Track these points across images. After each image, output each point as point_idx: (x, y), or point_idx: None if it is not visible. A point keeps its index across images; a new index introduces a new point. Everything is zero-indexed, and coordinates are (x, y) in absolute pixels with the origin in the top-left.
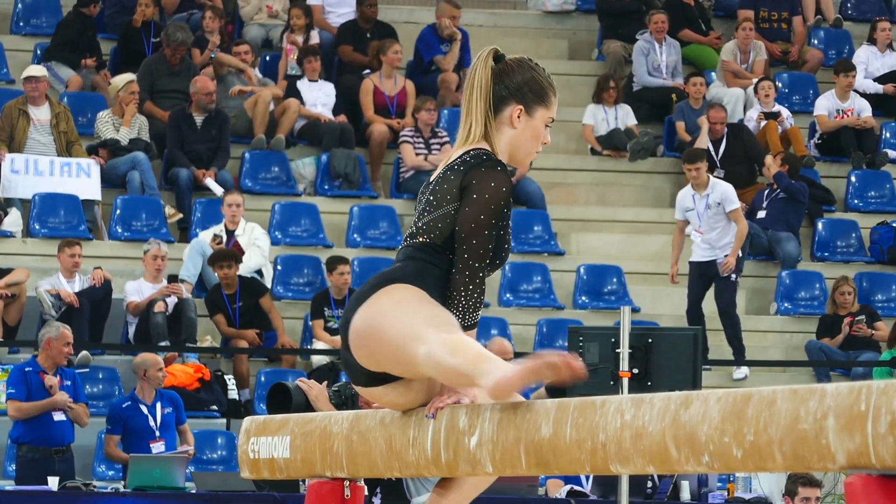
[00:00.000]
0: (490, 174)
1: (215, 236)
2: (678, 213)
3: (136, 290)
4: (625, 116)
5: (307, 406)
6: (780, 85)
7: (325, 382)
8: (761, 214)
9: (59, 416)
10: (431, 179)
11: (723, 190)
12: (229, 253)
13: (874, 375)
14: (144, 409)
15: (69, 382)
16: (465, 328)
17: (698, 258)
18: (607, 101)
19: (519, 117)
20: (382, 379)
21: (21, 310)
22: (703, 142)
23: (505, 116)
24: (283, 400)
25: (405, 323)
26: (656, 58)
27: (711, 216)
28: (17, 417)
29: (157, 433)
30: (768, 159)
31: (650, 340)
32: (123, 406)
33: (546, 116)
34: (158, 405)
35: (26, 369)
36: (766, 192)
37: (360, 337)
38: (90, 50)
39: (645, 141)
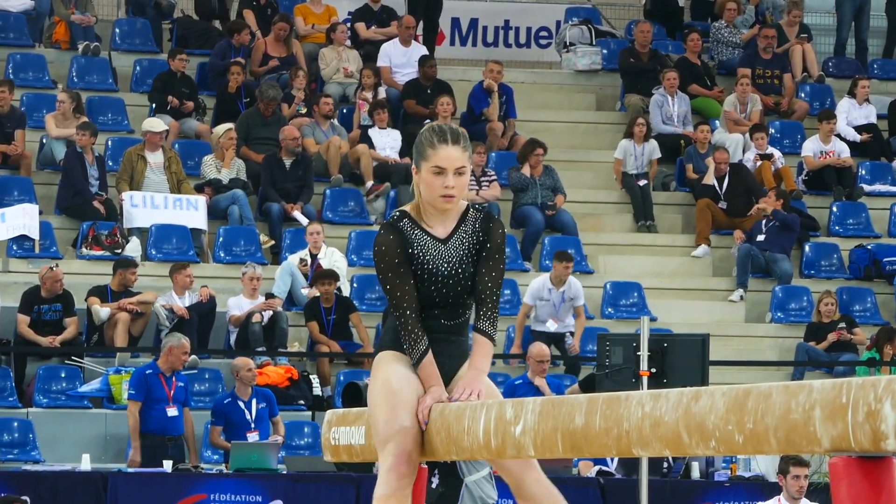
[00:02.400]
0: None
1: (301, 260)
2: (530, 298)
3: (236, 304)
4: (651, 152)
5: None
6: (772, 131)
7: None
8: (760, 238)
9: (172, 412)
10: None
11: (577, 288)
12: (329, 273)
13: (857, 373)
14: (242, 405)
15: (182, 384)
16: (417, 361)
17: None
18: (637, 137)
19: (416, 175)
20: None
21: (145, 324)
22: (710, 178)
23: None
24: (357, 396)
25: (375, 428)
26: (669, 109)
27: (564, 308)
28: (131, 420)
29: (253, 425)
30: (769, 198)
31: (665, 345)
32: (224, 402)
33: (429, 167)
34: (254, 401)
35: (147, 371)
36: (763, 221)
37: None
38: (183, 99)
39: (650, 227)
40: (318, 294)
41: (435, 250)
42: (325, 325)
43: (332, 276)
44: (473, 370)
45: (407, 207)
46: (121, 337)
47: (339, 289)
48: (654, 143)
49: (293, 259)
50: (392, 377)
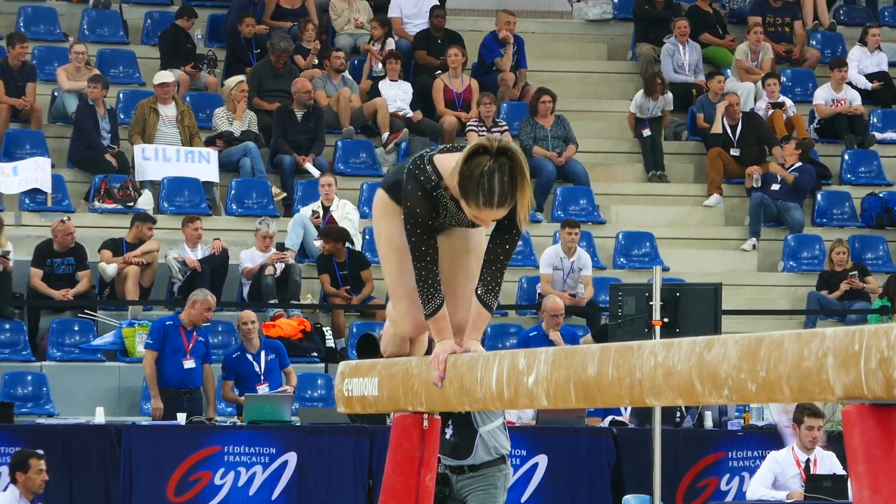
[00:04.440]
0: None
1: (314, 212)
2: (546, 267)
3: (249, 257)
4: (665, 104)
5: None
6: (784, 79)
7: None
8: (775, 187)
9: (188, 364)
10: None
11: (586, 258)
12: (338, 232)
13: (869, 321)
14: (250, 358)
15: (202, 339)
16: (431, 314)
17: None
18: (654, 94)
19: (454, 181)
20: None
21: (153, 275)
22: (718, 124)
23: None
24: (371, 347)
25: (386, 278)
26: (680, 57)
27: (573, 278)
28: (147, 368)
29: (262, 377)
30: (788, 147)
31: (678, 294)
32: (233, 356)
33: (471, 212)
34: (262, 353)
35: (167, 323)
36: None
37: None
38: (188, 57)
39: (661, 176)
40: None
41: (460, 215)
42: (338, 279)
43: (341, 235)
44: (470, 340)
45: (445, 174)
46: (132, 290)
47: (350, 242)
48: (669, 95)
49: (305, 211)
50: (395, 233)
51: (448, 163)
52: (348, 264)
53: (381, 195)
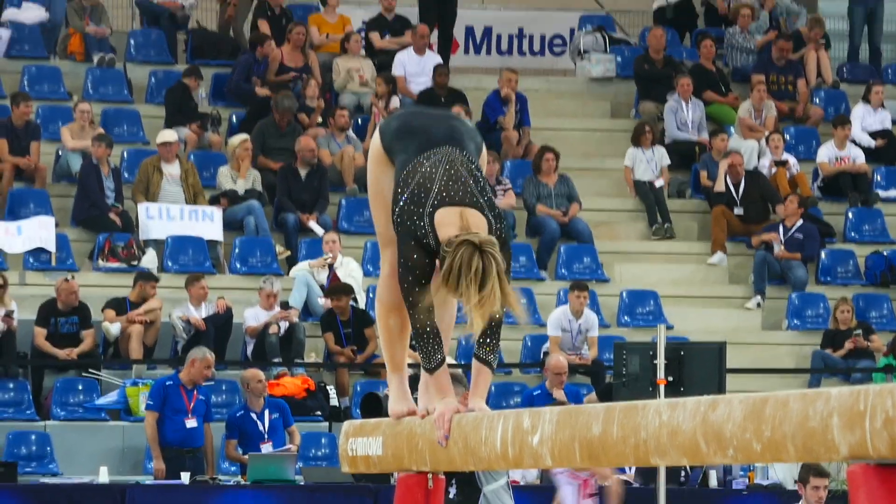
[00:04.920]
0: None
1: (324, 257)
2: (554, 329)
3: (253, 316)
4: (660, 158)
5: None
6: (787, 137)
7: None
8: (778, 247)
9: (190, 423)
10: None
11: (593, 319)
12: (343, 287)
13: (874, 379)
14: (254, 417)
15: (202, 397)
16: (432, 370)
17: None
18: (644, 143)
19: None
20: None
21: (157, 333)
22: (720, 182)
23: None
24: (376, 406)
25: (375, 223)
26: (684, 115)
27: (580, 340)
28: (148, 430)
29: (266, 436)
30: (788, 205)
31: (682, 353)
32: (237, 415)
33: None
34: (266, 412)
35: (167, 383)
36: (780, 228)
37: None
38: (192, 115)
39: (667, 229)
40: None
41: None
42: (342, 338)
43: (346, 290)
44: (475, 398)
45: (440, 233)
46: (136, 349)
47: (354, 300)
48: (661, 149)
49: (304, 267)
50: (382, 178)
51: (445, 221)
52: (352, 322)
53: (375, 138)
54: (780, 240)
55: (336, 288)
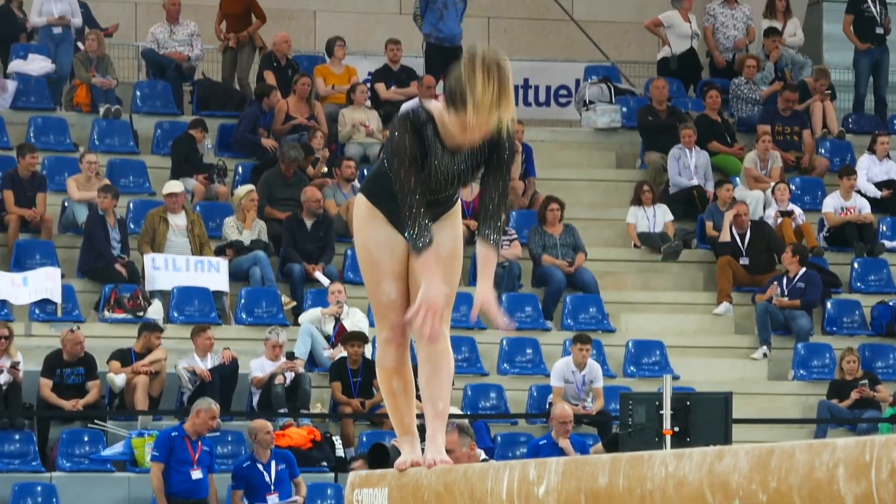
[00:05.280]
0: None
1: (336, 302)
2: (557, 380)
3: (259, 366)
4: (662, 215)
5: None
6: (793, 188)
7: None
8: (776, 297)
9: (196, 475)
10: None
11: (597, 371)
12: (359, 335)
13: (880, 430)
14: (261, 467)
15: (207, 448)
16: (419, 251)
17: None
18: (645, 202)
19: (445, 100)
20: None
21: (162, 384)
22: (726, 233)
23: None
24: (382, 457)
25: (367, 289)
26: (687, 161)
27: (584, 391)
28: (154, 481)
29: (272, 487)
30: (786, 256)
31: (688, 403)
32: (244, 465)
33: (459, 121)
34: (273, 463)
35: (172, 434)
36: (783, 279)
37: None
38: (198, 165)
39: (675, 245)
40: (345, 355)
41: (446, 157)
42: (351, 387)
43: (362, 338)
44: (485, 282)
45: (434, 112)
46: (141, 400)
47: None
48: (664, 207)
49: (310, 316)
50: (370, 242)
51: (438, 106)
52: (362, 371)
53: (359, 199)
54: (777, 292)
55: (352, 335)
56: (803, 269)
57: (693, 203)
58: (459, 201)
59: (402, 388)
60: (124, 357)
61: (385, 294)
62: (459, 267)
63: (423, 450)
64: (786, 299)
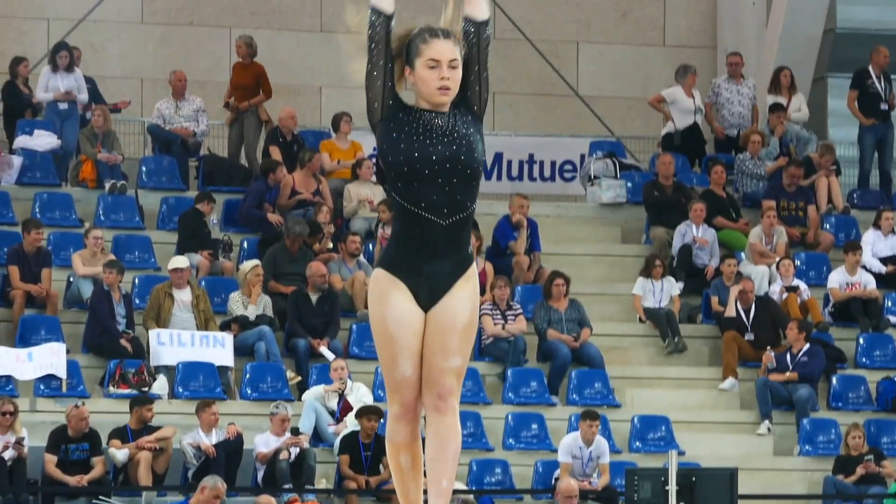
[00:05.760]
0: None
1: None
2: (564, 456)
3: (263, 442)
4: (670, 288)
5: None
6: (798, 263)
7: None
8: (789, 371)
9: None
10: None
11: (604, 447)
12: (374, 408)
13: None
14: None
15: None
16: None
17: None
18: (655, 275)
19: (410, 76)
20: None
21: (168, 461)
22: (731, 308)
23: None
24: None
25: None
26: (693, 234)
27: (591, 467)
28: None
29: None
30: (790, 331)
31: (694, 479)
32: None
33: (424, 62)
34: None
35: None
36: (787, 355)
37: None
38: (205, 241)
39: (678, 345)
40: (355, 429)
41: (430, 117)
42: (361, 461)
43: (377, 412)
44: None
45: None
46: (144, 476)
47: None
48: (671, 279)
49: (315, 392)
50: (388, 318)
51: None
52: (373, 446)
53: (377, 273)
54: (771, 363)
55: (367, 409)
56: (807, 345)
57: (702, 278)
58: (475, 266)
59: (409, 464)
60: (121, 434)
61: (400, 371)
62: (473, 337)
63: None
64: (786, 374)
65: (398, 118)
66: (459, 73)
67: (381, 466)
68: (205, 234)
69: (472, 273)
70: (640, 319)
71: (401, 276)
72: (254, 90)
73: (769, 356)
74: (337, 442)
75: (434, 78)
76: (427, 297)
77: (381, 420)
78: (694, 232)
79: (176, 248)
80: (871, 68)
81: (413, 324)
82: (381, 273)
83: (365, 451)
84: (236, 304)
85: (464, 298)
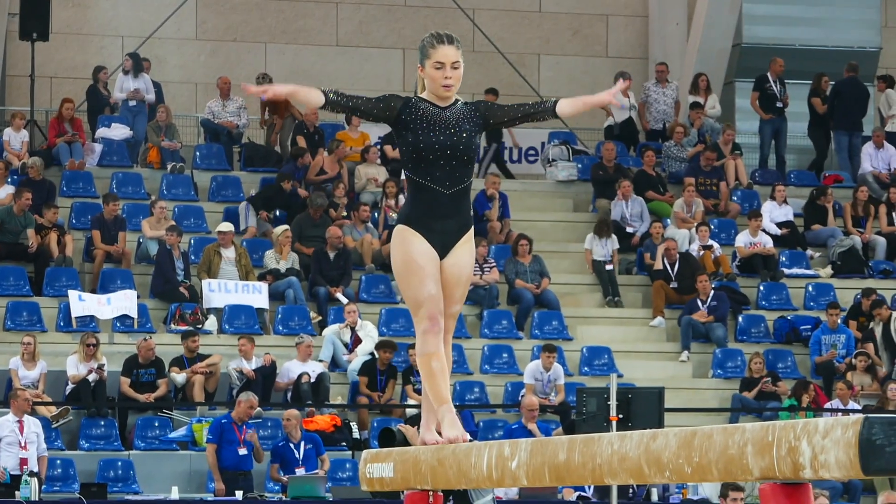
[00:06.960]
0: None
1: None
2: (529, 378)
3: (290, 367)
4: (612, 244)
5: (405, 442)
6: (712, 227)
7: (416, 426)
8: (703, 311)
9: (242, 452)
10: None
11: (559, 372)
12: (390, 343)
13: (780, 417)
14: (292, 446)
15: (251, 430)
16: None
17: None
18: (604, 234)
19: (421, 72)
20: None
21: (216, 382)
22: (659, 263)
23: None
24: (390, 439)
25: (406, 295)
26: (624, 210)
27: (549, 387)
28: (209, 458)
29: (300, 462)
30: (701, 280)
31: (630, 396)
32: (280, 445)
33: (432, 63)
34: (302, 443)
35: (222, 421)
36: (698, 300)
37: None
38: (275, 208)
39: (616, 301)
40: (370, 357)
41: (435, 111)
42: (377, 382)
43: (392, 346)
44: (588, 98)
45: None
46: (198, 394)
47: (372, 353)
48: (614, 238)
49: (332, 328)
50: (415, 253)
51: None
52: (386, 372)
53: (399, 228)
54: (699, 309)
55: (385, 343)
56: (713, 292)
57: (628, 237)
58: (473, 230)
59: (440, 368)
60: (179, 362)
61: (427, 290)
62: (468, 286)
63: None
64: (705, 317)
65: (406, 117)
66: (461, 72)
67: (388, 388)
68: (284, 197)
69: (472, 234)
70: (590, 270)
71: (418, 230)
72: (283, 104)
73: (706, 317)
74: (357, 366)
75: (439, 77)
76: (440, 249)
77: (395, 352)
78: (624, 207)
79: (223, 214)
80: (769, 75)
81: (435, 259)
82: (403, 227)
83: (380, 376)
84: (270, 259)
85: (465, 254)
